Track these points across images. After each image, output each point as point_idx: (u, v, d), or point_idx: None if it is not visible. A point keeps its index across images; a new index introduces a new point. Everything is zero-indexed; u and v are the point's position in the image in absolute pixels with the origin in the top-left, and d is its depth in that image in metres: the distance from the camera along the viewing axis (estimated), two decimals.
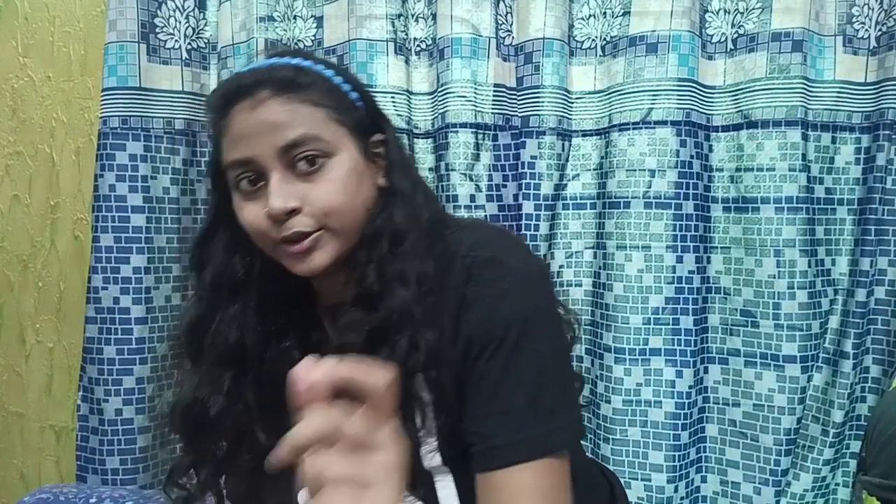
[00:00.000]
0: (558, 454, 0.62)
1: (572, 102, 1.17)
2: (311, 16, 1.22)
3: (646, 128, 1.10)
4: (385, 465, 0.41)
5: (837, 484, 1.12)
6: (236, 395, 0.69)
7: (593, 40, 1.16)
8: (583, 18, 1.16)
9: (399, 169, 0.71)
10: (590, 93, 1.16)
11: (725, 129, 1.12)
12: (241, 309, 0.70)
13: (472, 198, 1.15)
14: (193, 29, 1.24)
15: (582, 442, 0.99)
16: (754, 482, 1.11)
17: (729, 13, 1.11)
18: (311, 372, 0.41)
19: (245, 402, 0.70)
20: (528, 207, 1.15)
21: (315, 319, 0.74)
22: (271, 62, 0.68)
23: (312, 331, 0.73)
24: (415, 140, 1.19)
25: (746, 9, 1.10)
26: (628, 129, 1.11)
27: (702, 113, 1.11)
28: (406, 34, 1.18)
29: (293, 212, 0.64)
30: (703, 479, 1.16)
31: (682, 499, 1.12)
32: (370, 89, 0.75)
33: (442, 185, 1.16)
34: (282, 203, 0.63)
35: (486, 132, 1.15)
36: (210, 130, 0.71)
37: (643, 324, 1.11)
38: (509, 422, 0.62)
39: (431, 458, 0.65)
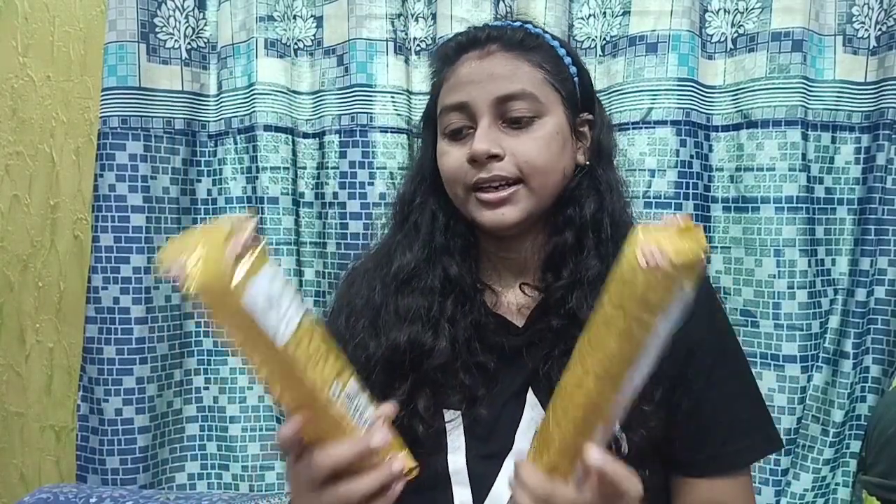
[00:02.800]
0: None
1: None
2: (311, 15, 1.22)
3: (646, 127, 1.10)
4: None
5: (837, 484, 1.12)
6: (454, 328, 0.68)
7: (593, 40, 1.16)
8: (582, 18, 1.16)
9: (606, 156, 0.73)
10: None
11: (725, 128, 1.12)
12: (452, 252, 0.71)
13: None
14: (193, 29, 1.24)
15: None
16: (754, 482, 1.11)
17: (729, 13, 1.11)
18: (591, 453, 0.48)
19: (457, 338, 0.68)
20: None
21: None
22: (505, 23, 0.71)
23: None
24: (415, 140, 1.19)
25: (746, 8, 1.10)
26: (628, 128, 1.11)
27: (702, 113, 1.11)
28: (406, 34, 1.18)
29: (494, 157, 0.66)
30: None
31: None
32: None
33: None
34: (485, 146, 0.65)
35: None
36: (431, 80, 0.76)
37: None
38: (740, 429, 0.69)
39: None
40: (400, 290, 0.71)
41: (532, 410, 0.67)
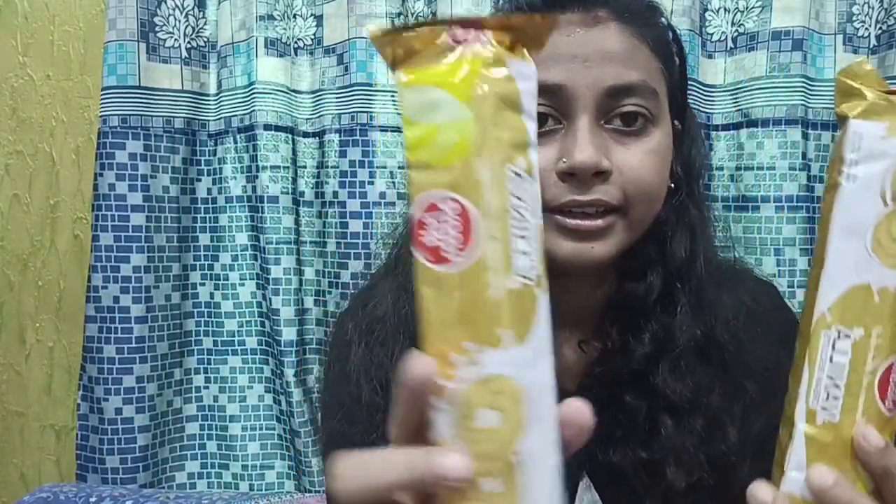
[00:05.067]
0: None
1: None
2: (311, 14, 1.22)
3: None
4: None
5: None
6: None
7: None
8: None
9: (696, 179, 0.57)
10: None
11: (725, 127, 1.12)
12: None
13: None
14: (193, 28, 1.24)
15: None
16: None
17: (729, 12, 1.11)
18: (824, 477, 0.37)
19: None
20: None
21: None
22: None
23: None
24: None
25: (746, 7, 1.10)
26: None
27: (702, 112, 1.11)
28: None
29: (601, 174, 0.49)
30: None
31: None
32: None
33: None
34: (594, 157, 0.48)
35: None
36: None
37: None
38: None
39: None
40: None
41: (588, 493, 0.54)
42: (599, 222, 0.49)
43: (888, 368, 0.39)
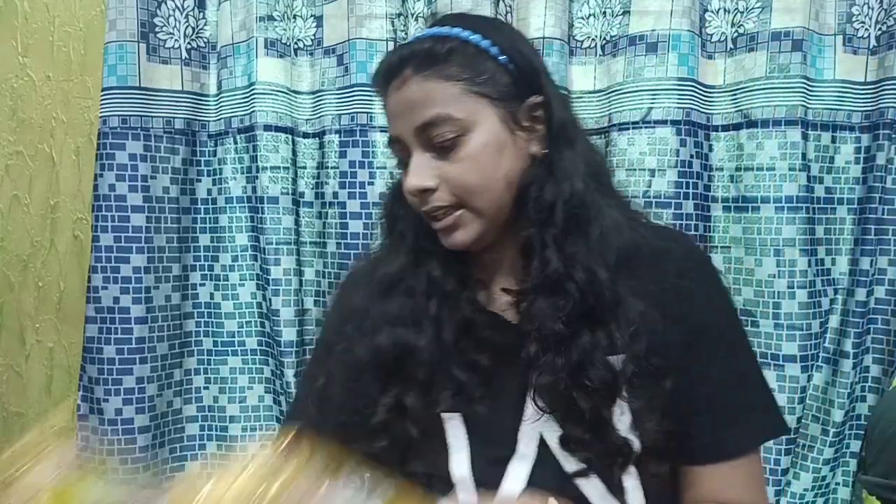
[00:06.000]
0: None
1: (572, 102, 1.16)
2: (311, 15, 1.22)
3: (646, 127, 1.10)
4: None
5: (837, 483, 1.12)
6: (439, 329, 0.68)
7: (593, 40, 1.16)
8: (582, 18, 1.16)
9: (564, 136, 0.68)
10: (590, 92, 1.16)
11: (725, 128, 1.12)
12: (436, 256, 0.71)
13: None
14: (193, 28, 1.24)
15: None
16: None
17: (729, 12, 1.11)
18: None
19: (444, 338, 0.68)
20: None
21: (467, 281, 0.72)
22: (419, 35, 0.68)
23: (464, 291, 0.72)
24: None
25: (746, 8, 1.10)
26: (628, 128, 1.11)
27: (702, 112, 1.11)
28: (406, 34, 1.18)
29: (427, 190, 0.65)
30: None
31: None
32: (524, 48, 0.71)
33: None
34: (416, 182, 0.65)
35: None
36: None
37: None
38: (740, 413, 0.67)
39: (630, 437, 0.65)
40: (385, 295, 0.71)
41: (534, 413, 0.66)
42: (447, 220, 0.66)
43: None
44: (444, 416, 0.68)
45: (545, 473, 0.64)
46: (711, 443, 0.66)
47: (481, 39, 0.66)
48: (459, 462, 0.67)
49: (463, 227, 0.66)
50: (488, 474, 0.66)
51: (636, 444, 0.64)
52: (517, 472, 0.65)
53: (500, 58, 0.66)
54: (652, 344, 0.64)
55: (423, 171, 0.65)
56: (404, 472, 0.67)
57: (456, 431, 0.68)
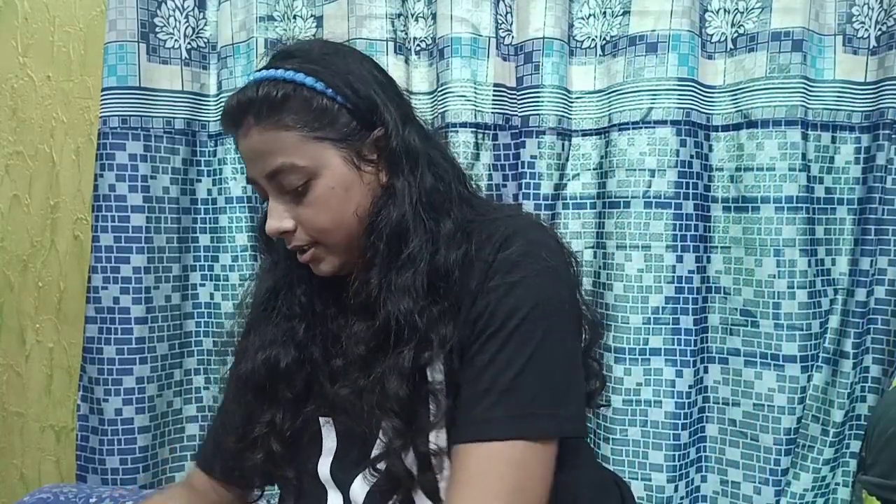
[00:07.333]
0: (534, 442, 0.61)
1: (572, 102, 1.17)
2: (311, 15, 1.22)
3: (646, 127, 1.10)
4: None
5: (837, 484, 1.12)
6: (305, 347, 0.73)
7: (593, 40, 1.16)
8: (583, 18, 1.16)
9: (397, 164, 0.68)
10: (590, 92, 1.16)
11: (725, 128, 1.12)
12: (308, 276, 0.74)
13: None
14: (193, 28, 1.24)
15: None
16: (754, 482, 1.11)
17: (729, 13, 1.11)
18: None
19: (312, 353, 0.73)
20: (527, 207, 1.15)
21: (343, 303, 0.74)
22: (255, 78, 0.68)
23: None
24: None
25: (746, 8, 1.10)
26: (628, 128, 1.11)
27: (702, 112, 1.11)
28: (406, 34, 1.18)
29: (286, 232, 0.68)
30: (703, 479, 1.16)
31: (681, 498, 1.12)
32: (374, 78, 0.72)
33: None
34: (276, 225, 0.68)
35: (486, 132, 1.15)
36: None
37: (643, 323, 1.11)
38: (487, 399, 0.62)
39: (437, 437, 0.66)
40: (262, 315, 0.76)
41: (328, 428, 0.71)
42: (307, 256, 0.70)
43: None
44: (321, 420, 0.73)
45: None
46: (462, 421, 0.63)
47: (315, 82, 0.66)
48: (324, 464, 0.71)
49: (323, 260, 0.70)
50: (344, 473, 0.70)
51: (442, 440, 0.65)
52: (364, 475, 0.68)
53: (337, 98, 0.67)
54: (454, 364, 0.65)
55: (279, 215, 0.68)
56: (280, 475, 0.74)
57: (329, 436, 0.72)
